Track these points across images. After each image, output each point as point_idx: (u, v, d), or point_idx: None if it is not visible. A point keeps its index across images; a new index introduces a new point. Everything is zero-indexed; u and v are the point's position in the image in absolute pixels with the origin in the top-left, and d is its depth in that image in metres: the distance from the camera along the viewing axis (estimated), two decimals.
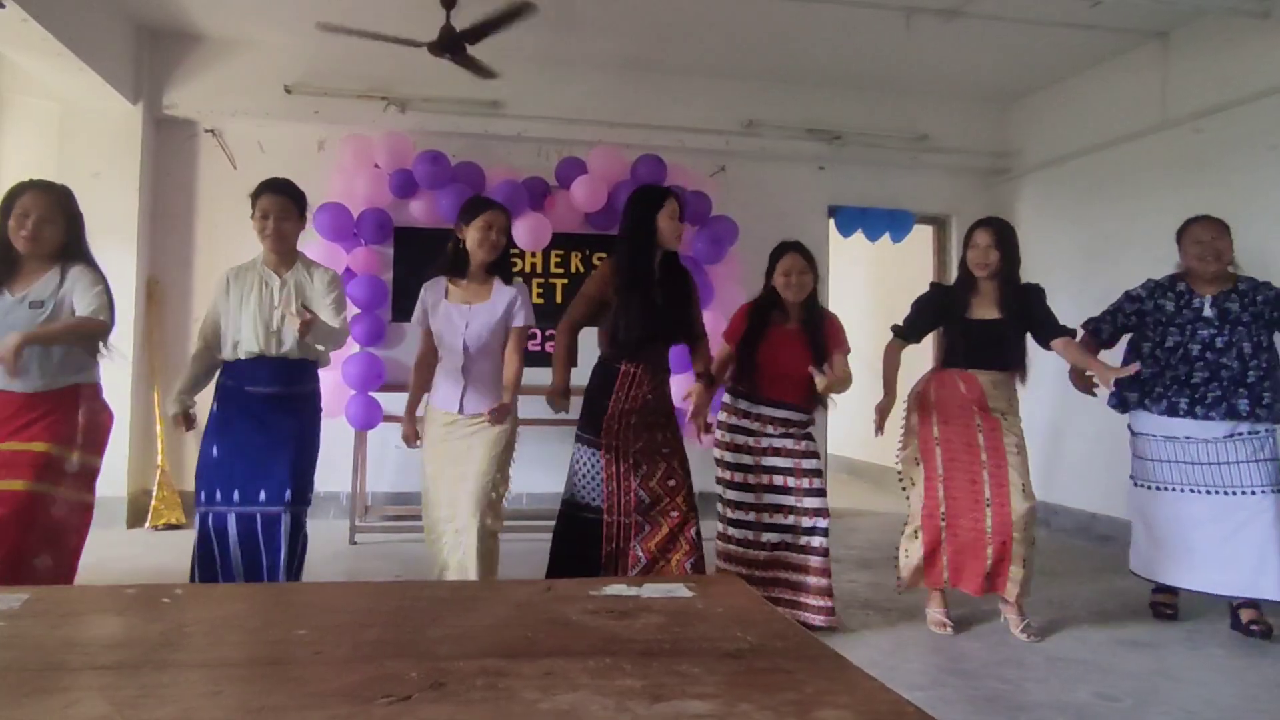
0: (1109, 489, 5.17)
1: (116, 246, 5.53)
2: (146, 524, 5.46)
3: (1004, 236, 3.74)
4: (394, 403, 5.69)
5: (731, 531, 3.74)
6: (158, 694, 0.91)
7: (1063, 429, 5.95)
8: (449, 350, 3.43)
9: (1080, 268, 5.86)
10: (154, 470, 5.60)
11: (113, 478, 5.43)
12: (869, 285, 8.29)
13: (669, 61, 6.11)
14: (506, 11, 4.57)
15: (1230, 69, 4.93)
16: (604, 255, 6.14)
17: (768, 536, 3.73)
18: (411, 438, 3.48)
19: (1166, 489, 3.87)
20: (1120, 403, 3.96)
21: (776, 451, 3.74)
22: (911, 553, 3.80)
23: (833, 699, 1.00)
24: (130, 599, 1.26)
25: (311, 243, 5.49)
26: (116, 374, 5.45)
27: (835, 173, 6.60)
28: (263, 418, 3.37)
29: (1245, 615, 3.74)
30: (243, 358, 3.37)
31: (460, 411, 3.40)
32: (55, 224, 3.12)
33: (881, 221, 6.63)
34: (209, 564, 3.29)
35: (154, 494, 5.52)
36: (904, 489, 3.90)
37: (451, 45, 4.73)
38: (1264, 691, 3.12)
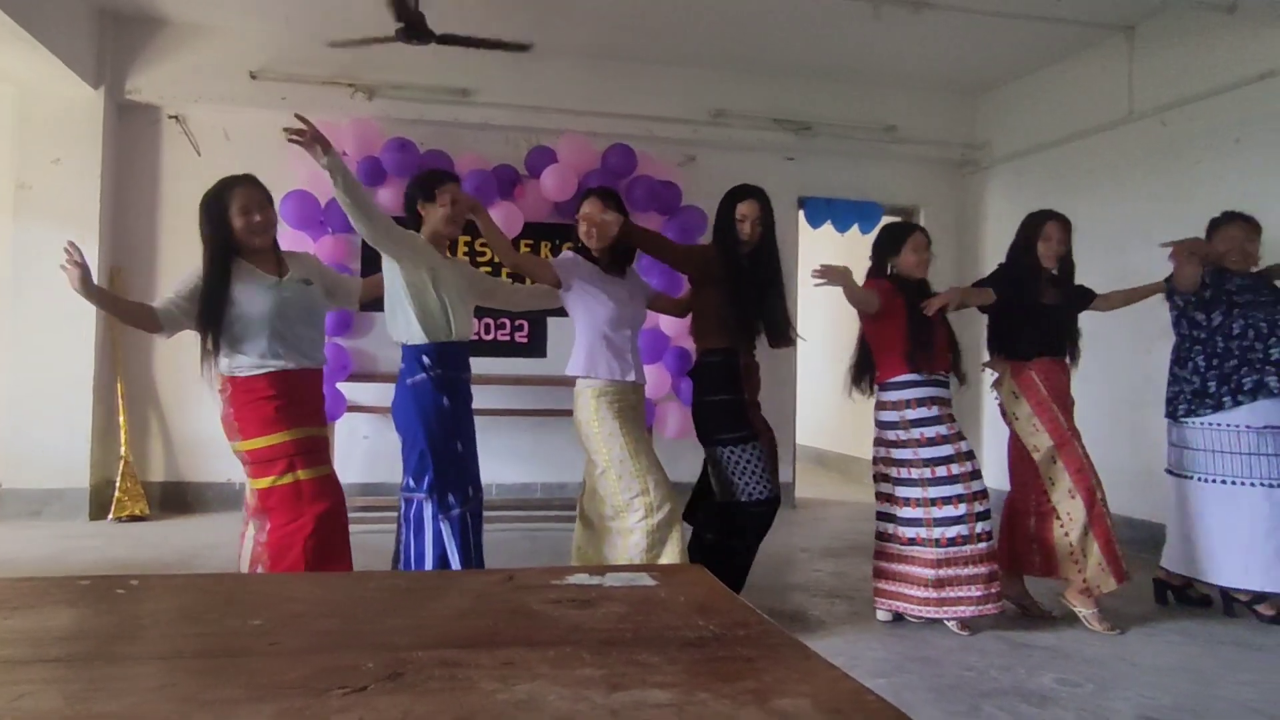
0: None
1: (78, 234, 5.39)
2: (109, 516, 5.39)
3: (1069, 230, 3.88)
4: (360, 393, 5.68)
5: (941, 534, 3.55)
6: (109, 687, 0.90)
7: None
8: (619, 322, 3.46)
9: None
10: (117, 461, 5.53)
11: (75, 469, 5.38)
12: None
13: (638, 50, 6.10)
14: (496, 41, 4.55)
15: (1195, 62, 5.00)
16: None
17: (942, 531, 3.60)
18: None
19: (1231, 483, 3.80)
20: None
21: (948, 439, 3.61)
22: (1090, 555, 3.66)
23: (792, 687, 1.00)
24: (84, 590, 1.24)
25: (279, 231, 5.43)
26: (79, 364, 5.41)
27: (804, 163, 6.62)
28: (470, 406, 3.38)
29: (1265, 609, 3.80)
30: (457, 340, 3.29)
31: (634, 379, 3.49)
32: (270, 214, 3.19)
33: (850, 213, 6.66)
34: (470, 558, 3.26)
35: (117, 485, 5.45)
36: (1052, 500, 3.75)
37: (422, 33, 4.69)
38: (1218, 675, 3.19)
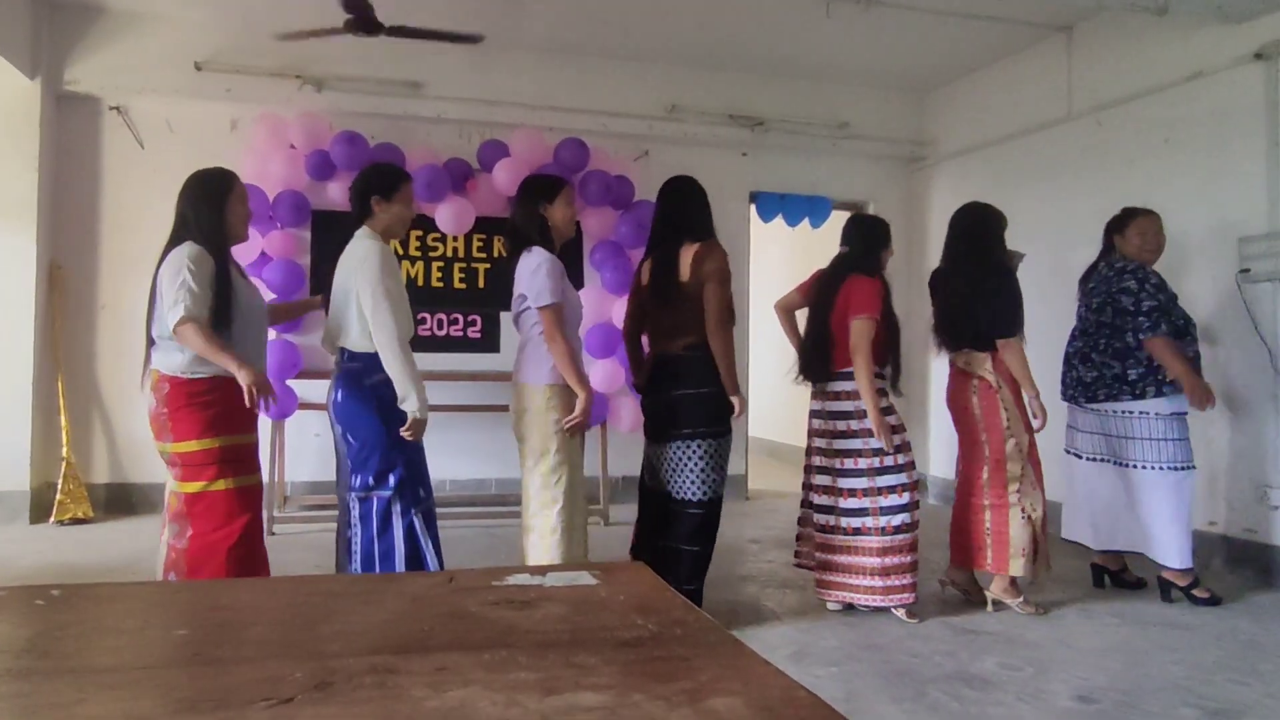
0: None
1: (15, 230, 5.31)
2: (51, 519, 5.26)
3: None
4: (310, 390, 5.59)
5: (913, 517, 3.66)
6: (14, 704, 0.87)
7: None
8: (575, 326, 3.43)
9: None
10: (58, 463, 5.39)
11: (15, 471, 5.24)
12: (788, 269, 8.41)
13: (593, 45, 6.08)
14: (447, 33, 4.49)
15: (1129, 64, 5.11)
16: None
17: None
18: None
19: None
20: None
21: (895, 429, 3.70)
22: (1024, 546, 3.74)
23: (726, 686, 1.00)
24: (0, 602, 1.21)
25: None
26: (17, 364, 5.26)
27: (757, 159, 6.66)
28: None
29: (1200, 593, 3.92)
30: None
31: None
32: None
33: (801, 207, 6.72)
34: (439, 553, 3.23)
35: (59, 487, 5.31)
36: (1017, 490, 3.76)
37: (370, 25, 4.62)
38: (1149, 656, 3.29)
